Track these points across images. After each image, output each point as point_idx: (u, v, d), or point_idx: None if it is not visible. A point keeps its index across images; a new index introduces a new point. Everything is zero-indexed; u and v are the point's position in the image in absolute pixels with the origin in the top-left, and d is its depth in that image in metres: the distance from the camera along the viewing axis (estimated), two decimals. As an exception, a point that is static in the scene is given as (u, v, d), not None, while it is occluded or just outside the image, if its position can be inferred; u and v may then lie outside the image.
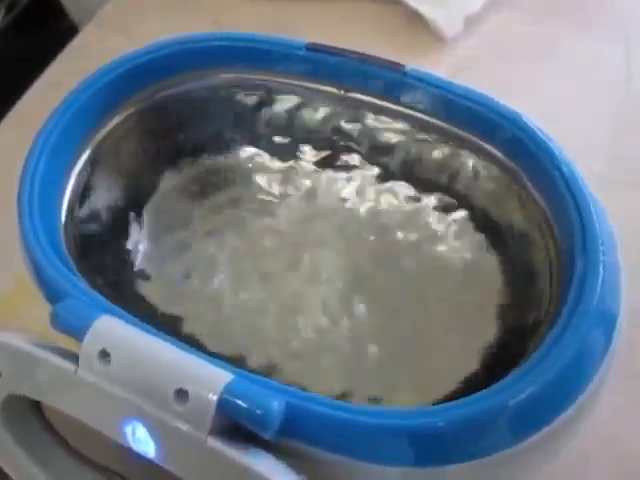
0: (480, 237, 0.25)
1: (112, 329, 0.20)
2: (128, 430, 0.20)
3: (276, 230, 0.27)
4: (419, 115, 0.25)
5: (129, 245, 0.27)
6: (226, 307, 0.26)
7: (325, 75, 0.26)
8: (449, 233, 0.25)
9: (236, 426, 0.18)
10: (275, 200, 0.28)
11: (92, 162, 0.26)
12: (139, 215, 0.27)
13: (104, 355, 0.19)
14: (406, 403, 0.24)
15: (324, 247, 0.27)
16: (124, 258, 0.27)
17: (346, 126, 0.27)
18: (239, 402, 0.18)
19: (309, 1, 0.43)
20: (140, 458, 0.20)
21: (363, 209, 0.27)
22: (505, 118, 0.23)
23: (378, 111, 0.26)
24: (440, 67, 0.39)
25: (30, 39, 0.55)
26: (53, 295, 0.21)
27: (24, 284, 0.32)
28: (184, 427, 0.18)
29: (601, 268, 0.19)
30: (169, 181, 0.28)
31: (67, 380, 0.20)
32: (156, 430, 0.19)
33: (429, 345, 0.25)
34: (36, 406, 0.24)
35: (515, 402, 0.18)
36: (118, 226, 0.27)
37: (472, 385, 0.23)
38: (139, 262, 0.27)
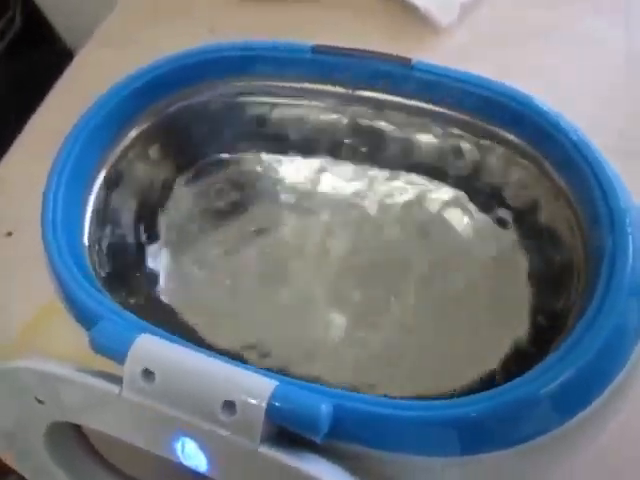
0: (507, 229, 0.25)
1: (152, 347, 0.20)
2: (177, 446, 0.20)
3: (293, 236, 0.27)
4: (430, 107, 0.25)
5: (150, 261, 0.27)
6: (252, 314, 0.26)
7: (334, 75, 0.26)
8: (474, 224, 0.26)
9: (281, 431, 0.19)
10: (291, 203, 0.28)
11: (109, 181, 0.26)
12: (157, 230, 0.27)
13: (147, 374, 0.19)
14: (437, 395, 0.24)
15: (344, 246, 0.27)
16: (146, 274, 0.27)
17: (361, 124, 0.27)
18: (288, 408, 0.18)
19: (299, 2, 0.44)
20: (188, 473, 0.20)
21: (380, 205, 0.27)
22: (522, 104, 0.23)
23: (390, 107, 0.26)
24: (436, 57, 0.39)
25: (24, 65, 0.55)
26: (87, 318, 0.21)
27: (44, 313, 0.32)
28: (234, 438, 0.18)
29: (630, 242, 0.19)
30: (185, 194, 0.28)
31: (111, 402, 0.20)
32: (206, 444, 0.19)
33: (457, 337, 0.25)
34: (77, 427, 0.24)
35: (557, 384, 0.19)
36: (137, 242, 0.27)
37: (505, 373, 0.23)
38: (161, 277, 0.27)
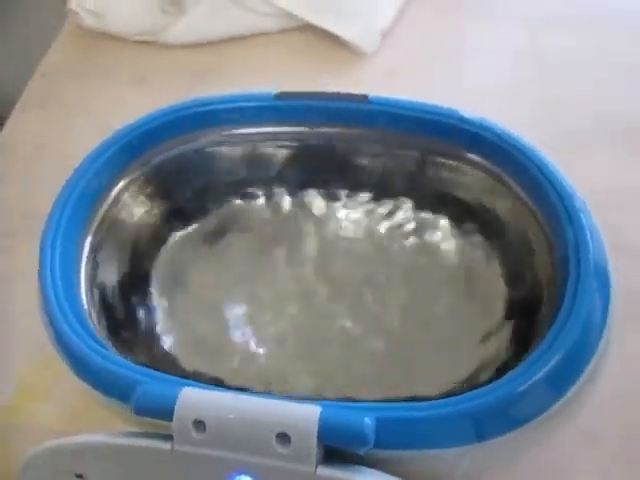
0: (476, 236, 0.28)
1: (196, 399, 0.21)
2: (233, 485, 0.21)
3: (287, 270, 0.29)
4: (390, 136, 0.28)
5: (145, 313, 0.29)
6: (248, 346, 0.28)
7: (297, 118, 0.29)
8: (446, 236, 0.29)
9: (327, 450, 0.21)
10: (276, 240, 0.30)
11: (99, 239, 0.28)
12: (150, 278, 0.29)
13: (198, 424, 0.21)
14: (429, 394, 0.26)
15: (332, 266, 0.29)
16: (144, 326, 0.28)
17: (321, 158, 0.30)
18: (337, 428, 0.20)
19: (225, 43, 0.46)
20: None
21: (360, 227, 0.30)
22: (472, 124, 0.27)
23: (354, 140, 0.29)
24: (365, 81, 0.42)
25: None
26: (124, 387, 0.22)
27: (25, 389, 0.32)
28: (292, 466, 0.20)
29: (587, 231, 0.23)
30: (175, 239, 0.30)
31: (163, 459, 0.21)
32: (263, 476, 0.21)
33: (437, 342, 0.28)
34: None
35: (546, 372, 0.22)
36: (134, 293, 0.29)
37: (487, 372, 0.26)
38: (160, 326, 0.28)
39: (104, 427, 0.27)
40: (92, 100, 0.44)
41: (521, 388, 0.22)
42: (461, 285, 0.28)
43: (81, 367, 0.24)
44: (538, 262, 0.25)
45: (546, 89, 0.42)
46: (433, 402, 0.22)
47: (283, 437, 0.20)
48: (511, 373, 0.22)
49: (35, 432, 0.32)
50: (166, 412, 0.21)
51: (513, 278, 0.27)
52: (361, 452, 0.21)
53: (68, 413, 0.33)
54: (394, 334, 0.28)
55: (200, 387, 0.22)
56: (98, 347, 0.24)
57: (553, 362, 0.22)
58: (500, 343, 0.26)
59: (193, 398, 0.21)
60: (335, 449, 0.21)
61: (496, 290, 0.27)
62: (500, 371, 0.25)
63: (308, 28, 0.45)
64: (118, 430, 0.23)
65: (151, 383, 0.22)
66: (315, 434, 0.20)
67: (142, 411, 0.21)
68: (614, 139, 0.39)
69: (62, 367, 0.32)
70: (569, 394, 0.22)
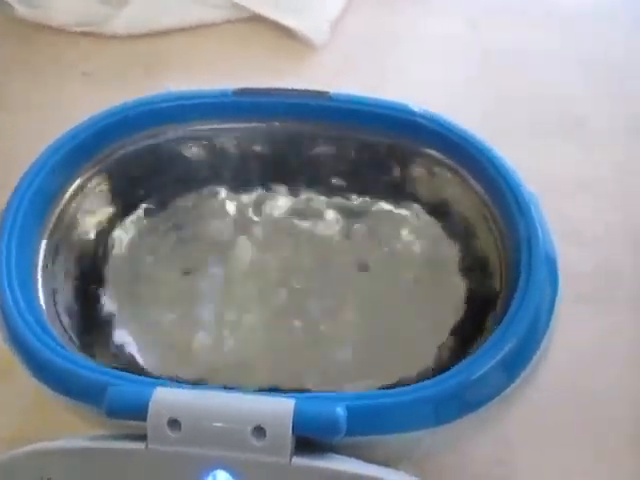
0: (434, 228, 0.30)
1: (169, 398, 0.22)
2: (208, 480, 0.22)
3: (247, 266, 0.30)
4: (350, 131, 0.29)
5: (103, 310, 0.29)
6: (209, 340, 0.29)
7: (257, 114, 0.29)
8: (405, 229, 0.30)
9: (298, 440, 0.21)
10: (235, 236, 0.31)
11: (55, 241, 0.28)
12: (108, 278, 0.29)
13: (173, 423, 0.21)
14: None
15: (284, 259, 0.30)
16: (102, 324, 0.28)
17: (281, 153, 0.30)
18: (310, 419, 0.21)
19: (173, 33, 0.46)
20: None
21: (320, 221, 0.31)
22: (425, 119, 0.28)
23: (313, 135, 0.29)
24: (318, 73, 0.43)
25: None
26: (92, 389, 0.23)
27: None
28: (268, 458, 0.21)
29: (537, 223, 0.25)
30: (132, 236, 0.30)
31: (137, 458, 0.22)
32: (239, 470, 0.21)
33: (396, 332, 0.29)
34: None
35: (500, 358, 0.23)
36: (92, 293, 0.29)
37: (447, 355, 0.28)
38: (119, 325, 0.29)
39: (57, 430, 0.28)
40: (35, 95, 0.43)
41: (477, 374, 0.23)
42: (419, 274, 0.29)
43: (44, 371, 0.24)
44: (490, 251, 0.27)
45: (495, 81, 0.43)
46: (398, 390, 0.23)
47: (259, 430, 0.21)
48: (468, 360, 0.23)
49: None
50: (139, 412, 0.21)
51: (468, 268, 0.28)
52: (334, 441, 0.21)
53: (16, 419, 0.32)
54: (355, 325, 0.29)
55: (171, 386, 0.22)
56: (61, 350, 0.24)
57: (506, 349, 0.23)
58: (456, 331, 0.28)
59: (166, 397, 0.22)
60: (306, 439, 0.22)
61: (453, 280, 0.29)
62: (457, 359, 0.26)
63: (258, 19, 0.46)
64: (84, 434, 0.23)
65: (121, 384, 0.22)
66: (290, 426, 0.21)
67: (115, 413, 0.22)
68: (566, 131, 0.41)
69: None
70: (520, 378, 0.24)
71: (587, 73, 0.45)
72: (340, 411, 0.21)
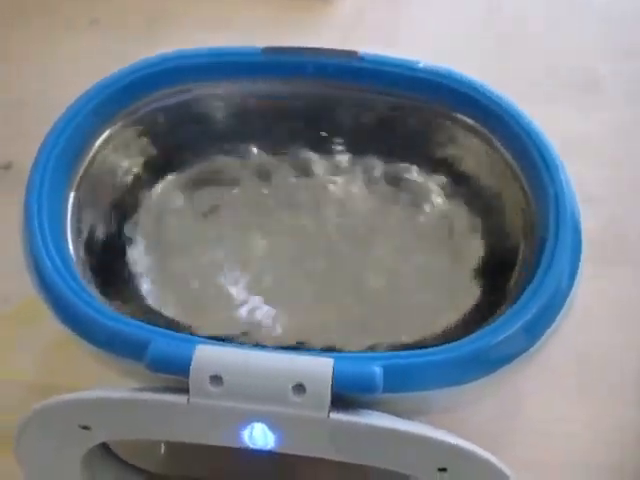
0: (457, 200, 0.30)
1: (211, 354, 0.22)
2: (245, 433, 0.23)
3: (275, 223, 0.30)
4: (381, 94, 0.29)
5: (131, 264, 0.29)
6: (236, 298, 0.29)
7: (286, 74, 0.29)
8: (428, 195, 0.30)
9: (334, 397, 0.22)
10: (262, 194, 0.31)
11: (83, 192, 0.28)
12: (136, 231, 0.29)
13: (215, 379, 0.22)
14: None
15: (311, 224, 0.30)
16: (131, 278, 0.29)
17: (317, 116, 0.30)
18: (349, 377, 0.22)
19: None
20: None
21: (346, 186, 0.31)
22: (455, 81, 0.28)
23: (344, 98, 0.29)
24: (332, 27, 0.42)
25: None
26: (136, 345, 0.23)
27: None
28: (306, 413, 0.22)
29: (565, 188, 0.25)
30: (159, 192, 0.30)
31: (178, 411, 0.22)
32: (278, 424, 0.22)
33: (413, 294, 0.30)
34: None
35: (526, 321, 0.24)
36: (119, 245, 0.29)
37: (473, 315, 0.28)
38: (145, 279, 0.29)
39: (85, 378, 0.28)
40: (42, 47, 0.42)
41: (504, 335, 0.24)
42: (439, 238, 0.30)
43: (83, 325, 0.24)
44: (513, 216, 0.27)
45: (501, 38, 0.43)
46: (430, 349, 0.24)
47: (299, 387, 0.22)
48: (497, 321, 0.24)
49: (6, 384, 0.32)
50: (181, 368, 0.22)
51: (489, 230, 0.29)
52: (370, 398, 0.22)
53: (42, 365, 0.33)
54: (371, 287, 0.30)
55: (211, 344, 0.23)
56: (100, 306, 0.24)
57: (533, 312, 0.24)
58: (474, 294, 0.29)
59: (208, 354, 0.22)
60: (340, 395, 0.22)
61: (472, 242, 0.29)
62: (480, 319, 0.27)
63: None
64: (121, 386, 0.24)
65: (163, 341, 0.23)
66: (329, 383, 0.22)
67: (158, 368, 0.22)
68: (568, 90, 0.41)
69: (31, 318, 0.32)
70: (544, 338, 0.25)
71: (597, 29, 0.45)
72: (378, 370, 0.22)
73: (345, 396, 0.22)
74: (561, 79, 0.43)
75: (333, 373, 0.22)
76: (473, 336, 0.24)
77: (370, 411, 0.23)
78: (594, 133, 0.41)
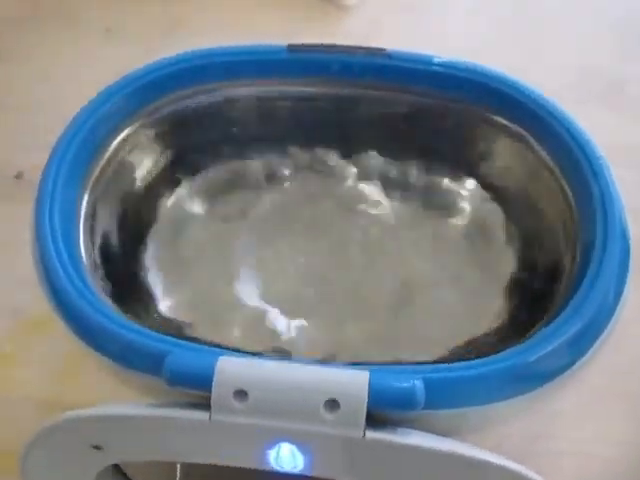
0: (492, 206, 0.28)
1: (235, 368, 0.20)
2: (271, 454, 0.21)
3: (295, 229, 0.29)
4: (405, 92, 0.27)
5: (148, 271, 0.27)
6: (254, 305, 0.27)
7: (311, 72, 0.28)
8: (460, 201, 0.29)
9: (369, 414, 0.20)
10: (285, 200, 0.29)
11: (98, 194, 0.26)
12: (150, 235, 0.28)
13: (240, 394, 0.20)
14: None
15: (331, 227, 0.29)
16: (145, 284, 0.27)
17: (343, 117, 0.29)
18: (387, 392, 0.20)
19: None
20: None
21: (371, 183, 0.29)
22: (490, 78, 0.26)
23: (373, 96, 0.28)
24: (350, 34, 0.42)
25: None
26: (154, 357, 0.21)
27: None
28: (340, 431, 0.20)
29: (613, 194, 0.23)
30: (177, 194, 0.29)
31: (200, 430, 0.20)
32: (308, 444, 0.20)
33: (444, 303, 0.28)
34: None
35: (573, 333, 0.22)
36: (134, 249, 0.27)
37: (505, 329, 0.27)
38: (160, 286, 0.27)
39: (95, 393, 0.27)
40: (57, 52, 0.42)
41: (552, 347, 0.22)
42: (474, 245, 0.28)
43: (101, 340, 0.22)
44: (553, 221, 0.26)
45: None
46: (471, 362, 0.22)
47: (332, 403, 0.20)
48: (543, 332, 0.22)
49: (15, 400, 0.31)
50: (203, 382, 0.20)
51: (526, 238, 0.27)
52: (404, 415, 0.20)
53: (49, 379, 0.31)
54: (398, 294, 0.28)
55: (234, 355, 0.21)
56: (115, 316, 0.22)
57: (580, 324, 0.22)
58: (509, 305, 0.27)
59: (232, 367, 0.20)
60: (375, 413, 0.20)
61: (508, 251, 0.27)
62: (517, 330, 0.25)
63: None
64: (135, 402, 0.22)
65: (183, 353, 0.21)
66: (365, 399, 0.20)
67: (177, 382, 0.20)
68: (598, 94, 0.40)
69: (40, 332, 0.31)
70: (588, 354, 0.23)
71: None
72: (419, 384, 0.20)
73: (379, 413, 0.20)
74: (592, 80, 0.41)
75: (369, 388, 0.20)
76: (519, 347, 0.22)
77: (408, 429, 0.21)
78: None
